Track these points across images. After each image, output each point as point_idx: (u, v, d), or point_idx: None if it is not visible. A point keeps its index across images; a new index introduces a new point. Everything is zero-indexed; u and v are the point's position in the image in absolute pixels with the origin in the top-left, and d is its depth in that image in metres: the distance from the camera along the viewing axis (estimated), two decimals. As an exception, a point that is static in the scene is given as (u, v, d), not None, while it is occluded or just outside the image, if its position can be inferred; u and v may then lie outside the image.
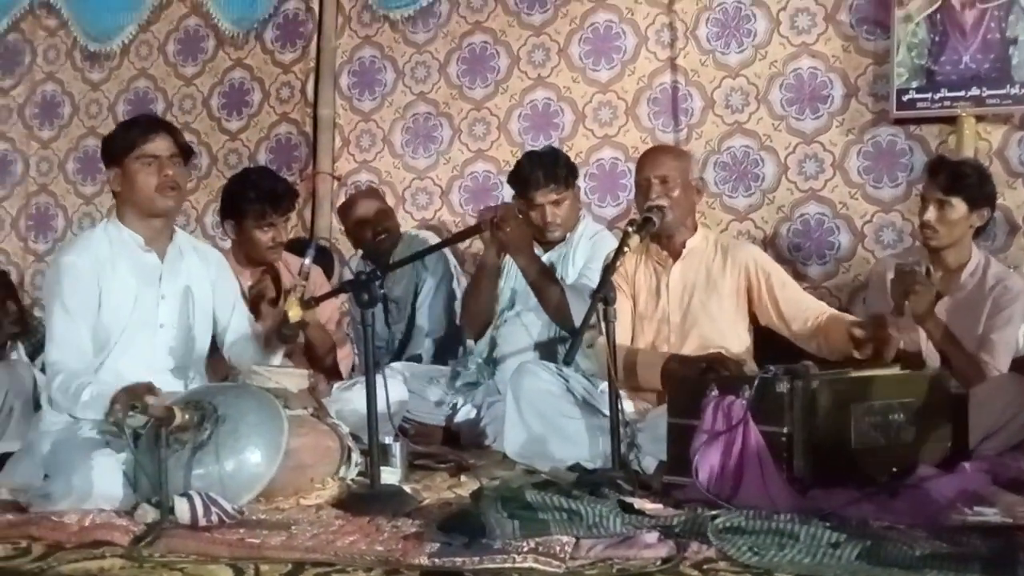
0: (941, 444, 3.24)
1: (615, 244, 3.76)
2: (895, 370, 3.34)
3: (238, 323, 3.67)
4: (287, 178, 4.94)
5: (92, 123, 6.24)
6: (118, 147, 3.42)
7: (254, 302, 3.92)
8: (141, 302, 3.41)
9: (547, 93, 5.44)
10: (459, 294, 4.69)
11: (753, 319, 3.82)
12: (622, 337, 3.61)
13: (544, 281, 4.05)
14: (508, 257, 4.28)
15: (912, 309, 3.70)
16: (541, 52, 5.46)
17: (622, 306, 3.70)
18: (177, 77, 6.12)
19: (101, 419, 3.09)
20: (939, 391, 3.29)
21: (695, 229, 3.89)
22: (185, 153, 3.49)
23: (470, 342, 4.57)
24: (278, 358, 3.59)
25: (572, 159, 4.63)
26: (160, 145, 3.40)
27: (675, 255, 3.84)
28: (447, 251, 4.88)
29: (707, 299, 3.76)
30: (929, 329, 3.76)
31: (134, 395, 2.96)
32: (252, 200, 4.20)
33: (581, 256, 4.29)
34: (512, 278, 4.36)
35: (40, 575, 2.44)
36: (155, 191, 3.38)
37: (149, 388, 3.00)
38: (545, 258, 4.31)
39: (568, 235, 4.36)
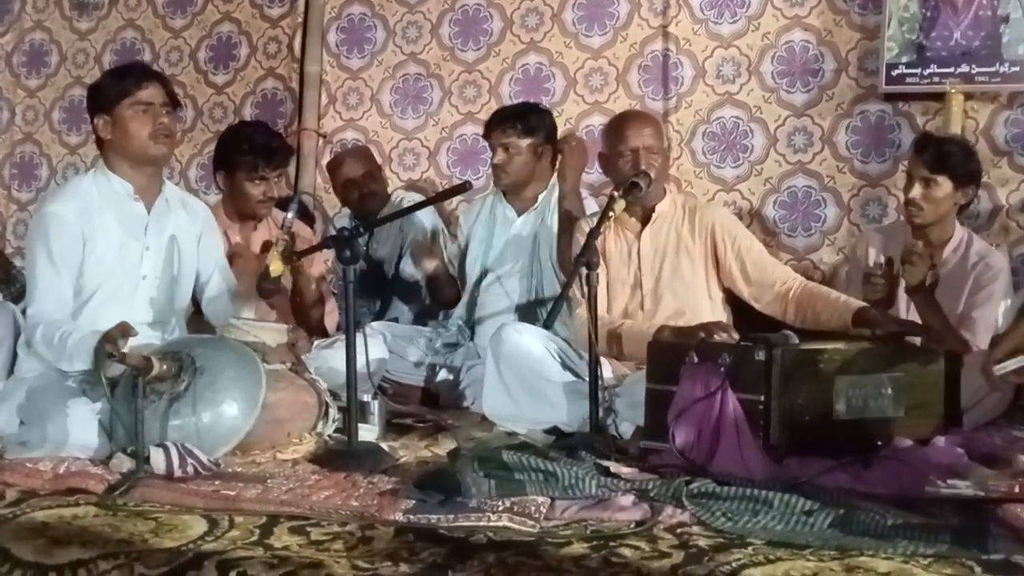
0: (933, 419, 3.24)
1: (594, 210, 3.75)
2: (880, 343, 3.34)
3: (219, 280, 3.67)
4: (272, 133, 4.90)
5: (79, 73, 6.17)
6: (110, 94, 3.39)
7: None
8: (125, 252, 3.40)
9: (539, 58, 5.41)
10: (446, 256, 4.66)
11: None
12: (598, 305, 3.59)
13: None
14: (478, 228, 4.38)
15: (905, 280, 3.71)
16: (534, 16, 5.42)
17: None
18: (165, 29, 6.05)
19: (84, 369, 3.09)
20: (933, 366, 3.28)
21: (664, 194, 3.86)
22: (174, 102, 3.49)
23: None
24: (251, 312, 3.59)
25: (560, 124, 4.60)
26: (153, 93, 3.40)
27: (645, 221, 3.81)
28: (434, 215, 4.86)
29: (678, 263, 3.73)
30: (919, 302, 3.77)
31: (110, 338, 2.96)
32: (245, 152, 4.17)
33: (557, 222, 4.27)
34: (487, 244, 4.36)
35: (13, 521, 2.43)
36: (149, 138, 3.38)
37: (124, 331, 2.99)
38: (519, 223, 4.34)
39: (540, 199, 4.33)
